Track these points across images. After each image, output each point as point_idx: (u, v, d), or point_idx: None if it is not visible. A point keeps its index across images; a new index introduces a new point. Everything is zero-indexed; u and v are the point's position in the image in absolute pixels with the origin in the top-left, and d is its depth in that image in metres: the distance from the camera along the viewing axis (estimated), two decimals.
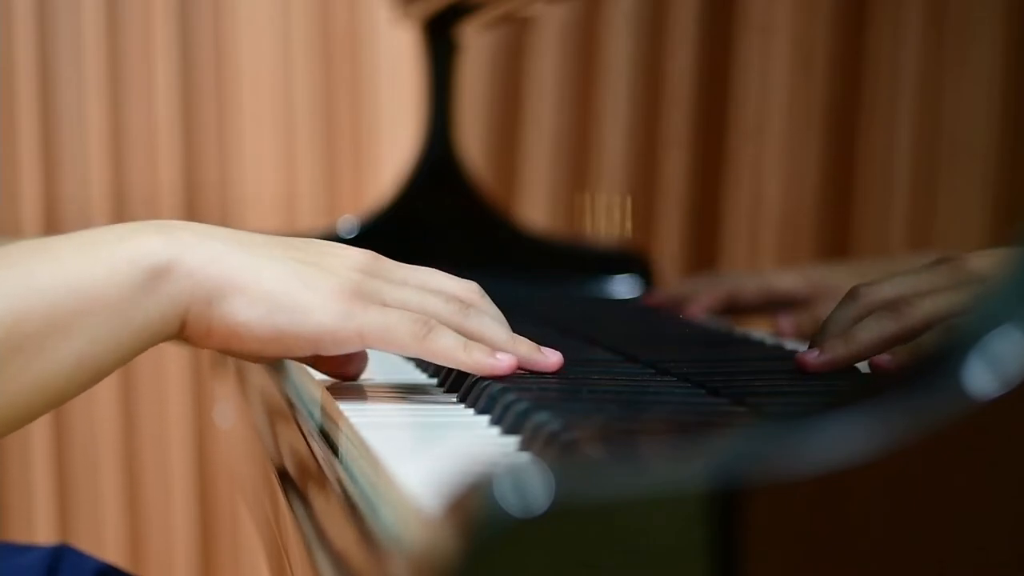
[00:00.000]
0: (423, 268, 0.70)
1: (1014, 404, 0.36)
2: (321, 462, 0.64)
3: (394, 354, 0.68)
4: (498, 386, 0.65)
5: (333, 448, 0.67)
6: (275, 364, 0.86)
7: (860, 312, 0.68)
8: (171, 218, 1.39)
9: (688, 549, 0.35)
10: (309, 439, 0.70)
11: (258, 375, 0.92)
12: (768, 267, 1.00)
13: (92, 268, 0.61)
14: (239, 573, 2.03)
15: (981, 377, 0.36)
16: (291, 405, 0.81)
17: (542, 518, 0.34)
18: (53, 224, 1.92)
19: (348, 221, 1.47)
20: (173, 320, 0.63)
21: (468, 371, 0.67)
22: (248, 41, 1.99)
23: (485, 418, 0.63)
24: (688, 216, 1.12)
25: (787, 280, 0.99)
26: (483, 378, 0.68)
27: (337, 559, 0.51)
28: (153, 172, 1.96)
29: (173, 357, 1.94)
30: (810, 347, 0.70)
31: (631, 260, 1.17)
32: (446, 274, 0.71)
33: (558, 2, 1.32)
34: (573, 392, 0.69)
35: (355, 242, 1.45)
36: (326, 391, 0.71)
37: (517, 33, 1.42)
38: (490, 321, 0.69)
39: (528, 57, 1.41)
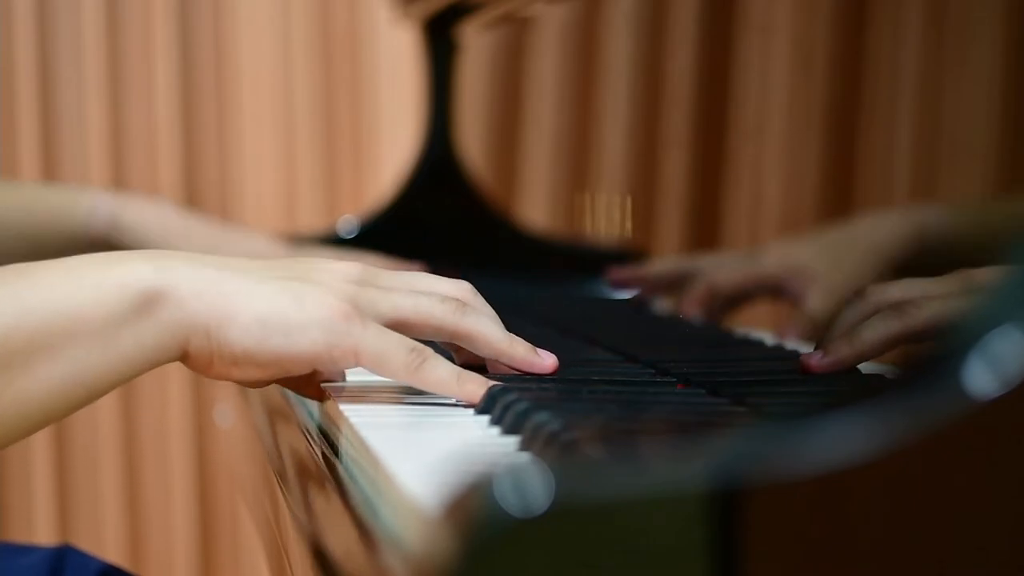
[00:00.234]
0: (414, 273, 0.70)
1: (1014, 404, 0.36)
2: (321, 462, 0.65)
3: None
4: (498, 386, 0.65)
5: (333, 448, 0.67)
6: None
7: (866, 313, 0.68)
8: None
9: (688, 549, 0.35)
10: (309, 439, 0.70)
11: None
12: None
13: (79, 291, 0.61)
14: (239, 573, 2.03)
15: (981, 377, 0.36)
16: (291, 405, 0.81)
17: (542, 518, 0.34)
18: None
19: (348, 221, 1.47)
20: (171, 346, 0.63)
21: (458, 400, 0.67)
22: (248, 41, 1.99)
23: (485, 418, 0.63)
24: (688, 216, 1.12)
25: (766, 267, 0.99)
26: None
27: (337, 559, 0.51)
28: (153, 172, 1.96)
29: None
30: (815, 348, 0.70)
31: (631, 260, 1.17)
32: (437, 276, 0.71)
33: (558, 2, 1.32)
34: (573, 392, 0.69)
35: (355, 242, 1.45)
36: (326, 391, 0.71)
37: (517, 33, 1.42)
38: (486, 319, 0.69)
39: (528, 57, 1.41)
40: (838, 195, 0.92)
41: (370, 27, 2.03)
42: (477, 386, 0.66)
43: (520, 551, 0.34)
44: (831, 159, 0.92)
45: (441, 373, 0.66)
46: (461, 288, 0.70)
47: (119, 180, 1.95)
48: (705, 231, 1.08)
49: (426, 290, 0.69)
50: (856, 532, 0.36)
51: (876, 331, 0.67)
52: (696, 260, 1.05)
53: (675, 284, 1.05)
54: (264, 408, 0.87)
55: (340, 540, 0.52)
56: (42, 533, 1.94)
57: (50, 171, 1.92)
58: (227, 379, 0.66)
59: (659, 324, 1.04)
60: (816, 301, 0.92)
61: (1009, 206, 0.75)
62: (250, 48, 1.99)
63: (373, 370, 0.65)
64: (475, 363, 0.70)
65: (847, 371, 0.71)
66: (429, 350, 0.66)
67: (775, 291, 0.97)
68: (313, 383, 0.70)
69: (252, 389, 0.94)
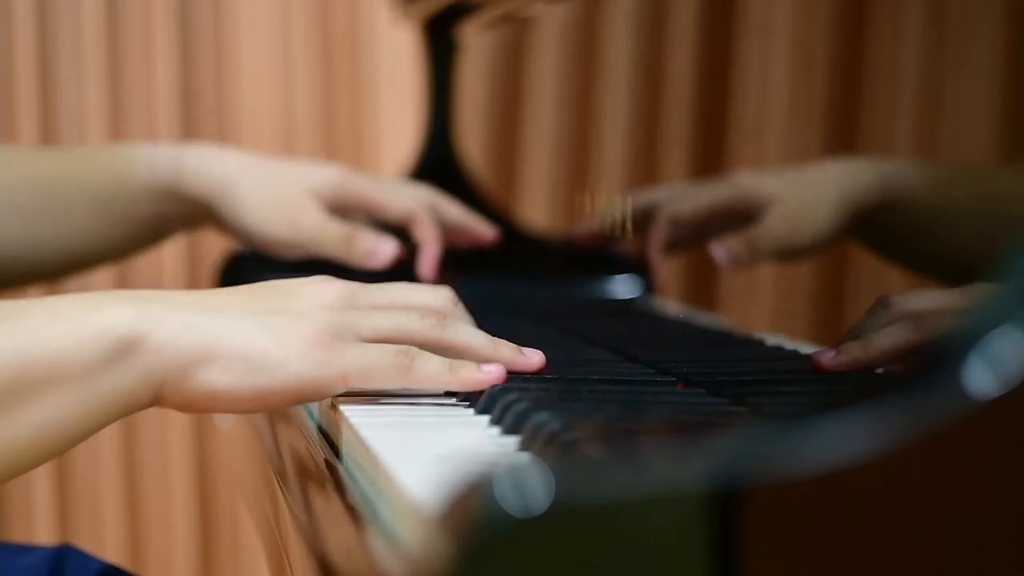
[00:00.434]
0: (393, 285, 0.70)
1: (1014, 404, 0.36)
2: (321, 462, 0.65)
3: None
4: (498, 386, 0.65)
5: (333, 448, 0.67)
6: None
7: (887, 320, 0.68)
8: None
9: (688, 549, 0.35)
10: (309, 439, 0.70)
11: None
12: (767, 268, 1.00)
13: (59, 337, 0.60)
14: (239, 573, 2.03)
15: (981, 377, 0.36)
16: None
17: (542, 518, 0.34)
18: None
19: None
20: (145, 392, 0.62)
21: (458, 390, 0.67)
22: (248, 41, 1.99)
23: (485, 418, 0.63)
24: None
25: (716, 193, 1.00)
26: None
27: (337, 559, 0.51)
28: None
29: None
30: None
31: (631, 260, 1.17)
32: (416, 286, 0.71)
33: (558, 2, 1.32)
34: (573, 392, 0.69)
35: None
36: None
37: (517, 33, 1.42)
38: (468, 329, 0.68)
39: (528, 57, 1.41)
40: None
41: (370, 27, 2.03)
42: (471, 371, 0.66)
43: (520, 551, 0.34)
44: (831, 159, 0.92)
45: (432, 367, 0.65)
46: (441, 296, 0.70)
47: None
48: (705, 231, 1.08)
49: (405, 303, 0.68)
50: (856, 532, 0.36)
51: (891, 338, 0.67)
52: (650, 194, 1.06)
53: (637, 224, 1.05)
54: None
55: (340, 540, 0.52)
56: (42, 533, 1.95)
57: None
58: (211, 412, 0.65)
59: (659, 324, 1.04)
60: (764, 229, 0.92)
61: (977, 179, 0.76)
62: (250, 48, 1.99)
63: (366, 386, 0.65)
64: None
65: (856, 373, 0.71)
66: (415, 348, 0.65)
67: (735, 217, 0.97)
68: None
69: None
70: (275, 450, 0.75)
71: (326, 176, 1.07)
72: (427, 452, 0.55)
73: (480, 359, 0.68)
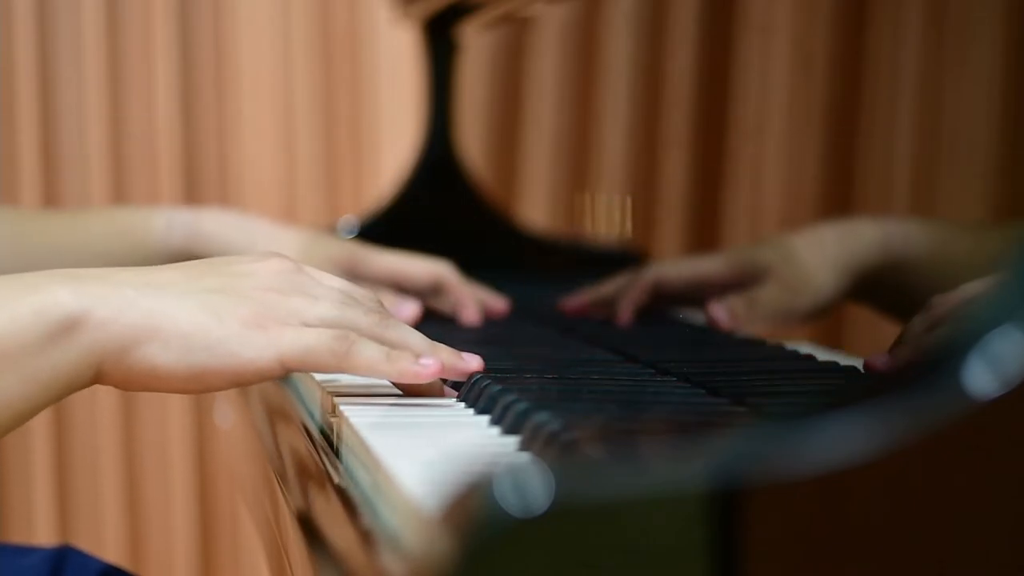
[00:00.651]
0: (335, 277, 0.70)
1: (1014, 404, 0.36)
2: (321, 462, 0.65)
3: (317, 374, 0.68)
4: (498, 386, 0.65)
5: (333, 448, 0.67)
6: None
7: (934, 321, 0.68)
8: None
9: (688, 549, 0.35)
10: (309, 439, 0.70)
11: None
12: None
13: None
14: (239, 573, 2.03)
15: (981, 377, 0.36)
16: (291, 405, 0.81)
17: (542, 518, 0.34)
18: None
19: (348, 221, 1.47)
20: (86, 371, 0.62)
21: (392, 380, 0.67)
22: (248, 41, 1.99)
23: (485, 418, 0.63)
24: (688, 216, 1.13)
25: (710, 265, 0.99)
26: (483, 378, 0.68)
27: (337, 559, 0.51)
28: (153, 172, 1.96)
29: None
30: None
31: (631, 260, 1.17)
32: (352, 284, 0.70)
33: (558, 2, 1.32)
34: (573, 392, 0.69)
35: (355, 242, 1.45)
36: (326, 391, 0.71)
37: (517, 33, 1.42)
38: (409, 330, 0.68)
39: (528, 57, 1.41)
40: (838, 195, 0.92)
41: (370, 27, 2.03)
42: (408, 363, 0.66)
43: (520, 551, 0.34)
44: (831, 159, 0.92)
45: (370, 353, 0.65)
46: (386, 298, 0.70)
47: (119, 180, 1.95)
48: (705, 231, 1.09)
49: (349, 297, 0.68)
50: (856, 532, 0.36)
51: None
52: (647, 267, 1.05)
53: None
54: (264, 408, 0.87)
55: (340, 540, 0.52)
56: (42, 533, 1.94)
57: (50, 171, 1.92)
58: (145, 391, 0.65)
59: (659, 324, 1.04)
60: (764, 292, 0.92)
61: (981, 237, 0.76)
62: (250, 48, 1.99)
63: (304, 370, 0.65)
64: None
65: (848, 371, 0.70)
66: (354, 334, 0.65)
67: (729, 288, 0.97)
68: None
69: (252, 389, 0.94)
70: (275, 450, 0.75)
71: (346, 250, 1.07)
72: (427, 452, 0.55)
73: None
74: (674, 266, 1.02)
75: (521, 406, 0.59)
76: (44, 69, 1.92)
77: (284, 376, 0.66)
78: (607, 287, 1.06)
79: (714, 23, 1.08)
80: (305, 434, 0.72)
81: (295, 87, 2.01)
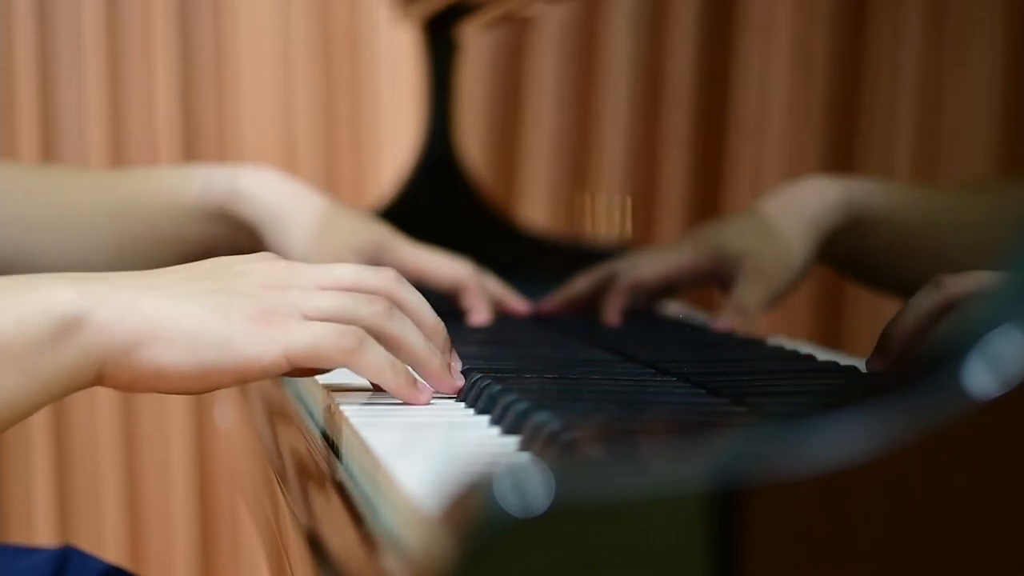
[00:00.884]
0: (338, 266, 0.69)
1: (1014, 404, 0.36)
2: (321, 462, 0.65)
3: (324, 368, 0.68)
4: (498, 386, 0.65)
5: (333, 448, 0.67)
6: None
7: (937, 303, 0.68)
8: None
9: (688, 549, 0.35)
10: (309, 439, 0.70)
11: None
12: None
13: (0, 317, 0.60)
14: (239, 573, 2.03)
15: (981, 377, 0.36)
16: (291, 405, 0.81)
17: (542, 518, 0.34)
18: None
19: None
20: (87, 372, 0.62)
21: (387, 390, 0.67)
22: (248, 41, 1.99)
23: (485, 418, 0.63)
24: (688, 216, 1.13)
25: (681, 257, 0.99)
26: (483, 378, 0.68)
27: (337, 559, 0.51)
28: None
29: None
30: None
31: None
32: (361, 267, 0.69)
33: (558, 2, 1.32)
34: (573, 392, 0.69)
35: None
36: (327, 391, 0.71)
37: (517, 33, 1.42)
38: (412, 327, 0.68)
39: (528, 57, 1.41)
40: None
41: (370, 27, 2.03)
42: (408, 383, 0.66)
43: (520, 551, 0.34)
44: (831, 159, 0.92)
45: (376, 360, 0.65)
46: (386, 278, 0.69)
47: None
48: None
49: (352, 284, 0.68)
50: (856, 532, 0.36)
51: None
52: (615, 262, 1.05)
53: (603, 291, 1.04)
54: (264, 408, 0.87)
55: (340, 540, 0.52)
56: (42, 534, 1.95)
57: None
58: (150, 392, 0.65)
59: (659, 324, 1.04)
60: (746, 289, 0.92)
61: (949, 198, 0.76)
62: (250, 48, 1.99)
63: (310, 365, 0.65)
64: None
65: (845, 371, 0.70)
66: (362, 331, 0.65)
67: (705, 276, 0.97)
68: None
69: (252, 389, 0.94)
70: (275, 450, 0.75)
71: (376, 235, 1.06)
72: (427, 452, 0.55)
73: (413, 360, 0.67)
74: (647, 264, 1.01)
75: (521, 406, 0.59)
76: (44, 69, 1.92)
77: (289, 372, 0.65)
78: (578, 285, 1.06)
79: (714, 23, 1.08)
80: (305, 434, 0.72)
81: (295, 87, 2.01)
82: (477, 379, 0.68)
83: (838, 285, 0.90)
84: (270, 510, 0.75)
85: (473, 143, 1.49)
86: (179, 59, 1.97)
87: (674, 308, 1.10)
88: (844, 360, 0.77)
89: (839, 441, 0.36)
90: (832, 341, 0.89)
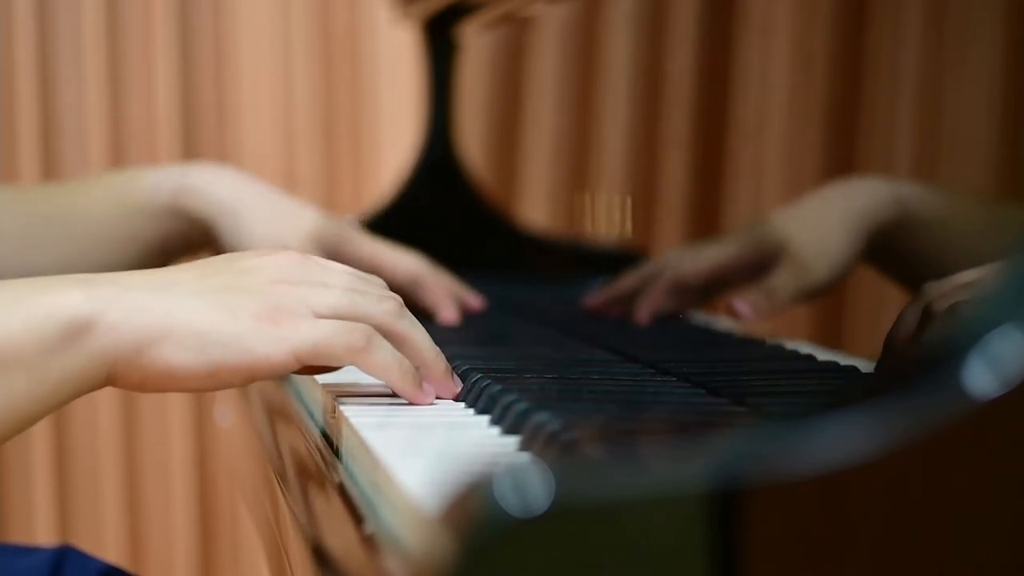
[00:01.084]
0: (347, 267, 0.69)
1: (1014, 404, 0.36)
2: (321, 462, 0.65)
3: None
4: (498, 386, 0.65)
5: (333, 448, 0.67)
6: None
7: (928, 312, 0.68)
8: None
9: (688, 549, 0.35)
10: (309, 439, 0.70)
11: None
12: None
13: (8, 321, 0.60)
14: (239, 573, 2.03)
15: (981, 377, 0.36)
16: (291, 405, 0.81)
17: (542, 518, 0.34)
18: None
19: (348, 221, 1.47)
20: (97, 373, 0.62)
21: (393, 388, 0.67)
22: (248, 41, 1.99)
23: (485, 418, 0.63)
24: (688, 216, 1.12)
25: (724, 252, 0.98)
26: (483, 378, 0.68)
27: (337, 559, 0.51)
28: None
29: None
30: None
31: (631, 260, 1.17)
32: (366, 275, 0.69)
33: (558, 2, 1.32)
34: (573, 392, 0.69)
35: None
36: (327, 391, 0.71)
37: (517, 33, 1.42)
38: (420, 327, 0.68)
39: (528, 57, 1.41)
40: None
41: (370, 27, 2.03)
42: (414, 384, 0.66)
43: (520, 551, 0.34)
44: (831, 159, 0.92)
45: (385, 359, 0.65)
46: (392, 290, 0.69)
47: None
48: (705, 231, 1.08)
49: (363, 284, 0.67)
50: (856, 532, 0.36)
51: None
52: (663, 258, 1.04)
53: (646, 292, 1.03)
54: (264, 408, 0.87)
55: (340, 540, 0.52)
56: (42, 533, 1.94)
57: (50, 171, 1.92)
58: (160, 391, 0.65)
59: (659, 324, 1.04)
60: (779, 276, 0.90)
61: (993, 211, 0.75)
62: (250, 48, 1.99)
63: (318, 363, 0.65)
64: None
65: (844, 371, 0.70)
66: (370, 329, 0.65)
67: (746, 269, 0.95)
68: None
69: (252, 389, 0.94)
70: (275, 450, 0.75)
71: (329, 227, 1.05)
72: (427, 452, 0.55)
73: (420, 360, 0.67)
74: (690, 260, 1.00)
75: (521, 406, 0.59)
76: (44, 69, 1.92)
77: (300, 370, 0.65)
78: (624, 283, 1.05)
79: (714, 23, 1.08)
80: (305, 434, 0.72)
81: (295, 87, 2.01)
82: (477, 379, 0.68)
83: (838, 285, 0.90)
84: (270, 510, 0.75)
85: (473, 143, 1.49)
86: (179, 59, 1.97)
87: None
88: (844, 360, 0.77)
89: (839, 441, 0.36)
90: (832, 341, 0.89)
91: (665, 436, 0.56)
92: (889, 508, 0.36)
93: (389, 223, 1.46)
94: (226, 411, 1.15)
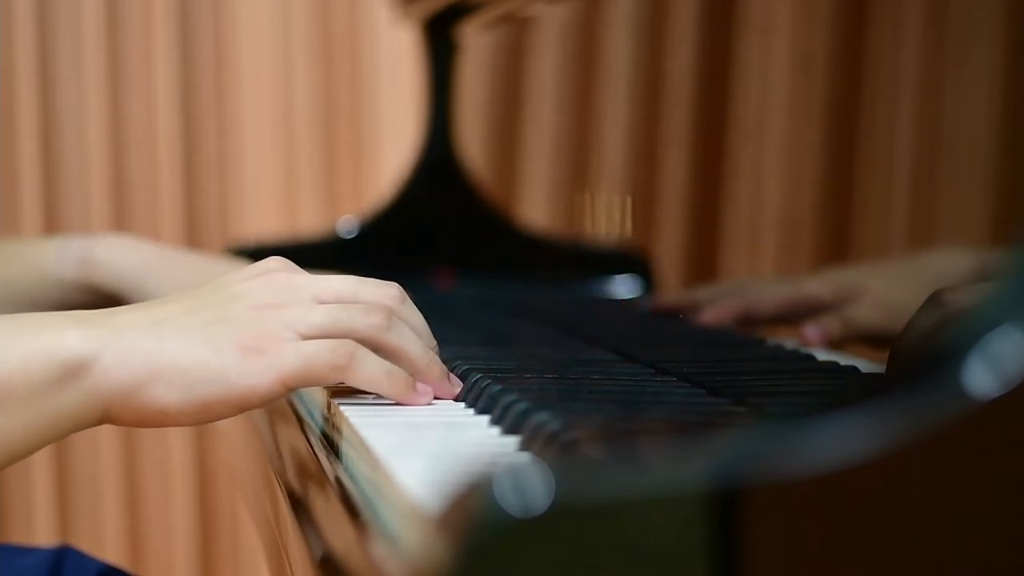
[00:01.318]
0: (337, 277, 0.69)
1: (1014, 404, 0.36)
2: (321, 462, 0.65)
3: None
4: (498, 386, 0.65)
5: (333, 448, 0.67)
6: None
7: (941, 317, 0.67)
8: (172, 218, 1.38)
9: (688, 549, 0.35)
10: (309, 439, 0.70)
11: None
12: (768, 268, 0.99)
13: (7, 359, 0.61)
14: (239, 573, 2.03)
15: (981, 377, 0.36)
16: (291, 405, 0.81)
17: (542, 518, 0.34)
18: (53, 224, 1.92)
19: (348, 221, 1.47)
20: (92, 413, 0.63)
21: (386, 397, 0.67)
22: (248, 41, 1.99)
23: (485, 418, 0.63)
24: (688, 216, 1.12)
25: (813, 286, 0.97)
26: (483, 377, 0.68)
27: (337, 559, 0.51)
28: (153, 172, 1.96)
29: None
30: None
31: (631, 260, 1.17)
32: (363, 279, 0.69)
33: (558, 2, 1.32)
34: (573, 392, 0.69)
35: (355, 242, 1.45)
36: (327, 391, 0.71)
37: (517, 33, 1.42)
38: (410, 335, 0.68)
39: (528, 57, 1.41)
40: (838, 195, 0.92)
41: (370, 27, 2.03)
42: (406, 387, 0.66)
43: (520, 551, 0.34)
44: (831, 159, 0.92)
45: (371, 370, 0.65)
46: (389, 294, 0.69)
47: (119, 180, 1.95)
48: (705, 231, 1.08)
49: (351, 296, 0.68)
50: (856, 532, 0.36)
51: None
52: (742, 283, 1.03)
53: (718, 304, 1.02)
54: (264, 408, 0.87)
55: (340, 540, 0.52)
56: (42, 533, 1.94)
57: (50, 171, 1.92)
58: (162, 427, 0.66)
59: (659, 324, 1.04)
60: (862, 310, 0.89)
61: None
62: (250, 48, 1.99)
63: (307, 386, 0.65)
64: None
65: (845, 371, 0.70)
66: (355, 344, 0.65)
67: (817, 310, 0.95)
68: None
69: None
70: (275, 450, 0.75)
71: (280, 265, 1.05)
72: (427, 452, 0.55)
73: (413, 369, 0.67)
74: (768, 291, 1.00)
75: (521, 406, 0.59)
76: (44, 69, 1.92)
77: (289, 393, 0.66)
78: (699, 295, 1.04)
79: (714, 23, 1.08)
80: (305, 434, 0.72)
81: (295, 87, 2.01)
82: (477, 379, 0.68)
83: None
84: (270, 510, 0.75)
85: (473, 143, 1.49)
86: (179, 59, 1.96)
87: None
88: (844, 360, 0.77)
89: (839, 441, 0.36)
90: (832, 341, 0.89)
91: (665, 436, 0.56)
92: (889, 508, 0.36)
93: (389, 223, 1.46)
94: None
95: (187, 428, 1.98)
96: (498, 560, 0.34)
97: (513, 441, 0.57)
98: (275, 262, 0.69)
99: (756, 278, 1.04)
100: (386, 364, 0.66)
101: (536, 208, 1.40)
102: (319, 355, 0.64)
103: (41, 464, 1.94)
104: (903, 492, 0.36)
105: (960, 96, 0.78)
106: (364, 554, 0.48)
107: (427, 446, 0.57)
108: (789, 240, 1.00)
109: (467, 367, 0.72)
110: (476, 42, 1.49)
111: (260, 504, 0.84)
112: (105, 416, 0.64)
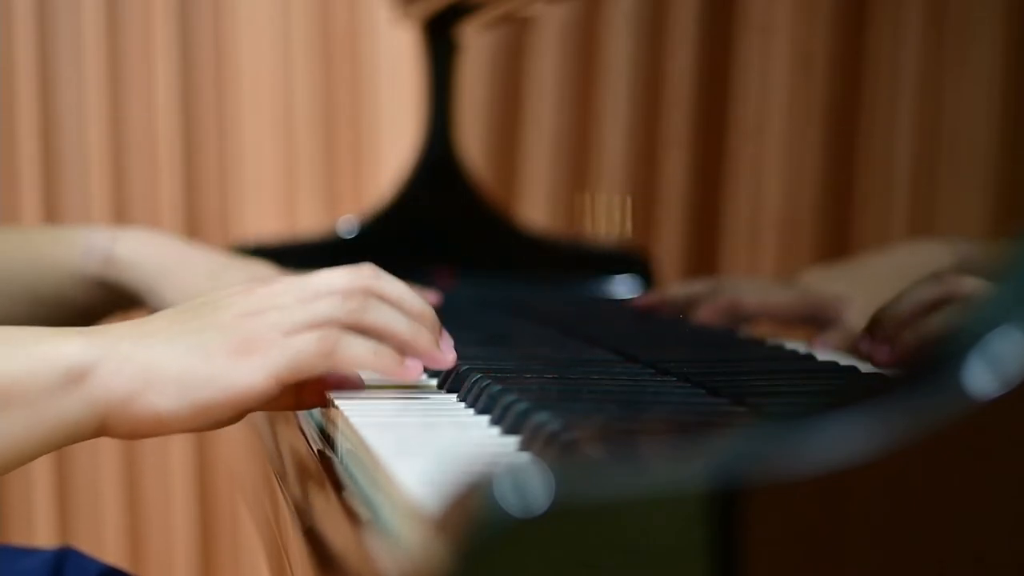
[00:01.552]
0: (313, 275, 0.70)
1: (1014, 404, 0.36)
2: (321, 462, 0.65)
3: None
4: (498, 386, 0.65)
5: (333, 448, 0.67)
6: None
7: (935, 296, 0.68)
8: (172, 218, 1.38)
9: (688, 549, 0.35)
10: (309, 439, 0.70)
11: None
12: (768, 268, 0.99)
13: (10, 365, 0.63)
14: (239, 573, 2.03)
15: (981, 377, 0.36)
16: None
17: (542, 518, 0.34)
18: (52, 224, 1.92)
19: (348, 221, 1.47)
20: (89, 421, 0.64)
21: (377, 373, 0.68)
22: (248, 41, 1.99)
23: (485, 418, 0.63)
24: (688, 216, 1.12)
25: (785, 298, 0.98)
26: (483, 377, 0.68)
27: (337, 559, 0.51)
28: (153, 172, 1.96)
29: None
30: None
31: (631, 260, 1.17)
32: (336, 269, 0.70)
33: (558, 2, 1.32)
34: (573, 392, 0.69)
35: (355, 242, 1.45)
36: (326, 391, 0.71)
37: (517, 33, 1.42)
38: (389, 312, 0.69)
39: (528, 57, 1.41)
40: (838, 195, 0.92)
41: (370, 27, 2.03)
42: (394, 362, 0.67)
43: (520, 551, 0.34)
44: (831, 159, 0.92)
45: (356, 350, 0.66)
46: (361, 275, 0.69)
47: (119, 180, 1.95)
48: (705, 231, 1.08)
49: (328, 290, 0.68)
50: (856, 532, 0.36)
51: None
52: (723, 280, 1.04)
53: (700, 303, 1.03)
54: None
55: (340, 540, 0.52)
56: (42, 534, 1.94)
57: (50, 170, 1.93)
58: (160, 435, 0.67)
59: (659, 324, 1.04)
60: (852, 324, 0.90)
61: None
62: (250, 48, 1.99)
63: (299, 379, 0.66)
64: None
65: (845, 371, 0.70)
66: (337, 331, 0.66)
67: (804, 320, 0.95)
68: (285, 396, 0.70)
69: None
70: (275, 450, 0.75)
71: (259, 277, 1.06)
72: (427, 452, 0.55)
73: (398, 343, 0.68)
74: (752, 292, 1.00)
75: (521, 406, 0.59)
76: (44, 69, 1.92)
77: (283, 391, 0.66)
78: (682, 291, 1.05)
79: (714, 23, 1.08)
80: (305, 434, 0.72)
81: (295, 87, 2.01)
82: (477, 379, 0.68)
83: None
84: (270, 510, 0.75)
85: (473, 143, 1.49)
86: (179, 59, 1.96)
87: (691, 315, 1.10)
88: (844, 360, 0.77)
89: (839, 441, 0.36)
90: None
91: (665, 436, 0.56)
92: (889, 508, 0.36)
93: (389, 223, 1.46)
94: None
95: None
96: (498, 560, 0.34)
97: (513, 441, 0.57)
98: (261, 274, 0.71)
99: (733, 279, 1.04)
100: (371, 344, 0.67)
101: (536, 208, 1.40)
102: (306, 347, 0.65)
103: (41, 465, 1.94)
104: (903, 492, 0.36)
105: (960, 96, 0.78)
106: (364, 554, 0.48)
107: (427, 446, 0.57)
108: (789, 240, 1.00)
109: (467, 367, 0.72)
110: (476, 42, 1.49)
111: (260, 504, 0.84)
112: (102, 426, 0.65)
